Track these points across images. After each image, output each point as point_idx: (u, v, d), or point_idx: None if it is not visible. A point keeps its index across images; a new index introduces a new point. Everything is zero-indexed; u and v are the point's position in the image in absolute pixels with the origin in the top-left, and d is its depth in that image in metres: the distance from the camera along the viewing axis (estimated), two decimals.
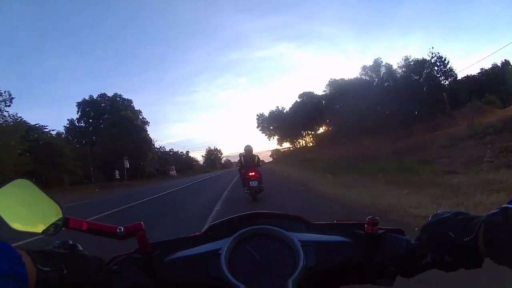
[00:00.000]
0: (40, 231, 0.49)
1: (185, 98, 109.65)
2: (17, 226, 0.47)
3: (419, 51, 78.10)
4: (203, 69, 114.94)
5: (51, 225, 0.49)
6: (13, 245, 0.37)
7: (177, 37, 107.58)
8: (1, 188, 0.48)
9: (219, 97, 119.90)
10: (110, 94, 46.28)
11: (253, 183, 7.56)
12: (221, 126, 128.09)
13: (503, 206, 0.40)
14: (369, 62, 37.18)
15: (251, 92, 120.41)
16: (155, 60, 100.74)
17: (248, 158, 8.20)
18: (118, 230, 0.51)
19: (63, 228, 0.49)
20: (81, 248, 0.50)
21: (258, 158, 8.45)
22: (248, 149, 8.31)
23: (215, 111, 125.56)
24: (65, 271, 0.43)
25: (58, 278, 0.42)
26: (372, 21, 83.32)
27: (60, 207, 0.50)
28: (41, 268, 0.40)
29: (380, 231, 0.52)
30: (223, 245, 0.52)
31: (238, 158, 8.82)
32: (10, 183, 0.49)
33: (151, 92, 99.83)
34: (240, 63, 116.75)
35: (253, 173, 7.65)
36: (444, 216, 0.48)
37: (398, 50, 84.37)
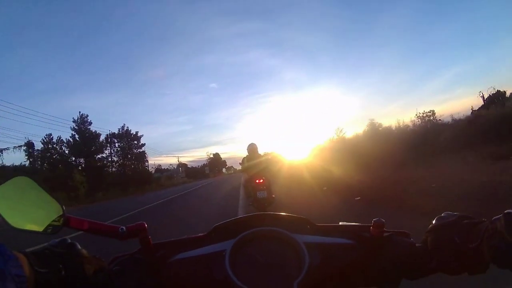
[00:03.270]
0: (41, 230, 0.48)
1: (155, 101, 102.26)
2: (17, 224, 0.46)
3: (395, 66, 78.41)
4: (175, 72, 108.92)
5: (51, 223, 0.48)
6: None
7: (150, 37, 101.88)
8: (2, 186, 0.47)
9: (189, 101, 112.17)
10: None
11: (261, 194, 5.55)
12: (189, 130, 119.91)
13: (505, 211, 0.41)
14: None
15: (221, 98, 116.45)
16: (124, 59, 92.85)
17: (254, 160, 5.98)
18: (120, 230, 0.50)
19: (63, 227, 0.48)
20: (80, 247, 0.49)
21: (268, 160, 6.32)
22: (252, 149, 6.04)
23: (185, 115, 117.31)
24: (63, 272, 0.42)
25: (57, 280, 0.41)
26: (348, 35, 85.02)
27: (61, 205, 0.49)
28: (39, 270, 0.39)
29: (385, 234, 0.52)
30: (228, 246, 0.51)
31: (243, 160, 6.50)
32: (10, 181, 0.48)
33: (119, 92, 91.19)
34: (212, 67, 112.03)
35: (261, 181, 5.63)
36: (449, 219, 0.48)
37: (373, 64, 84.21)
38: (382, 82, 75.42)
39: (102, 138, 36.42)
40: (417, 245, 0.51)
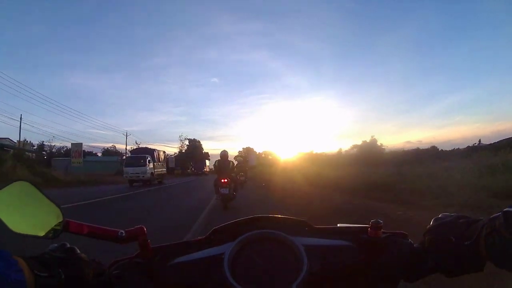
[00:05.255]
0: (41, 235, 0.48)
1: (152, 88, 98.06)
2: (17, 229, 0.46)
3: (395, 85, 79.26)
4: (176, 61, 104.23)
5: (51, 228, 0.48)
6: None
7: (157, 26, 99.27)
8: (1, 191, 0.47)
9: (188, 93, 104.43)
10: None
11: (224, 190, 7.43)
12: (183, 122, 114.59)
13: (504, 209, 0.41)
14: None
15: (220, 94, 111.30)
16: (125, 43, 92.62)
17: (222, 164, 8.00)
18: (119, 234, 0.51)
19: (63, 232, 0.48)
20: (79, 252, 0.49)
21: (233, 164, 8.33)
22: (224, 155, 8.13)
23: (181, 106, 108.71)
24: (63, 276, 0.43)
25: (57, 284, 0.41)
26: (351, 48, 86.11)
27: (61, 210, 0.49)
28: (39, 274, 0.39)
29: (383, 235, 0.52)
30: (226, 249, 0.52)
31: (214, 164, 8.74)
32: (10, 186, 0.48)
33: (119, 75, 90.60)
34: (215, 62, 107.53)
35: (225, 180, 7.52)
36: (446, 220, 0.48)
37: (373, 81, 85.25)
38: (380, 99, 76.43)
39: None
40: (415, 245, 0.51)
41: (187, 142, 61.11)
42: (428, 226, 0.49)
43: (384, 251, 0.51)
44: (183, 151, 59.58)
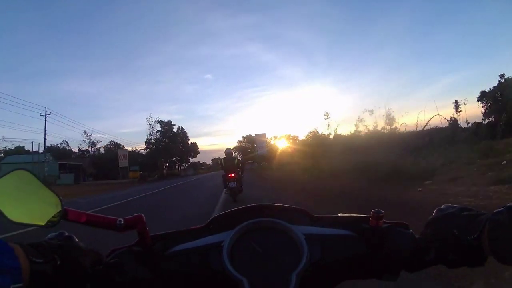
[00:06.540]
0: (39, 223, 0.48)
1: (147, 88, 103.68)
2: (15, 218, 0.46)
3: (390, 69, 77.38)
4: (169, 60, 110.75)
5: (50, 217, 0.49)
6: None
7: (147, 26, 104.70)
8: (0, 179, 0.47)
9: (182, 90, 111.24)
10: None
11: (232, 184, 8.18)
12: (180, 120, 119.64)
13: (508, 204, 0.39)
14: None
15: (214, 89, 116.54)
16: (117, 45, 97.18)
17: (228, 161, 8.78)
18: (117, 222, 0.50)
19: (61, 220, 0.48)
20: (77, 240, 0.49)
21: (239, 160, 9.13)
22: (228, 152, 8.97)
23: (177, 104, 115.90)
24: (59, 262, 0.43)
25: (52, 270, 0.42)
26: (344, 33, 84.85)
27: (60, 199, 0.49)
28: (34, 260, 0.40)
29: (385, 225, 0.51)
30: (226, 237, 0.51)
31: (220, 161, 9.25)
32: (9, 174, 0.48)
33: (114, 77, 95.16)
34: (208, 59, 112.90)
35: (232, 175, 8.28)
36: (449, 211, 0.47)
37: (368, 66, 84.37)
38: (376, 85, 75.43)
39: None
40: (416, 236, 0.50)
41: (158, 127, 40.59)
42: (430, 217, 0.48)
43: (385, 241, 0.50)
44: (153, 140, 39.43)
